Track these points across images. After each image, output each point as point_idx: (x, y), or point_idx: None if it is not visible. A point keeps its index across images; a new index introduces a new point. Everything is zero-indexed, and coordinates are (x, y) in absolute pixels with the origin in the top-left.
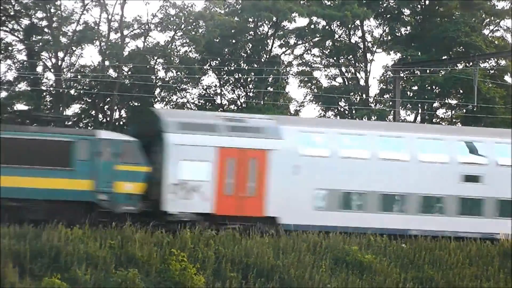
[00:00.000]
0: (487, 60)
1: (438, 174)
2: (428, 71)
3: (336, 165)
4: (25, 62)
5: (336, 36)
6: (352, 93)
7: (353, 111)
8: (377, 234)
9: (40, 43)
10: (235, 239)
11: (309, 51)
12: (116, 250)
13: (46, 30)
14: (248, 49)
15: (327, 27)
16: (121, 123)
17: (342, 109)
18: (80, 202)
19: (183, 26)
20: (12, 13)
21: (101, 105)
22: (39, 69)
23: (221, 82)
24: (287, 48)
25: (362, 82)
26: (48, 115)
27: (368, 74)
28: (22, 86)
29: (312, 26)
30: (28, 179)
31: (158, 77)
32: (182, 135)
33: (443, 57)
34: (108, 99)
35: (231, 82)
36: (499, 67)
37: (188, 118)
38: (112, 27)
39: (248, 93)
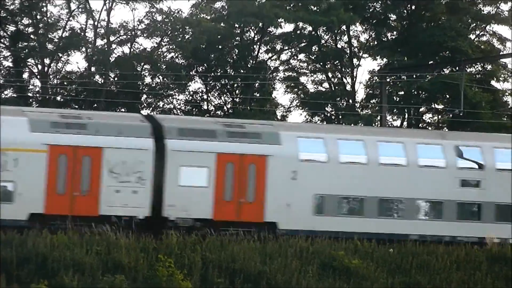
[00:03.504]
0: (473, 65)
1: None
2: (414, 76)
3: None
4: (11, 69)
5: (323, 41)
6: (338, 99)
7: (340, 117)
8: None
9: (26, 50)
10: (222, 244)
11: (295, 57)
12: (102, 256)
13: (32, 36)
14: (234, 54)
15: (313, 33)
16: None
17: (328, 115)
18: None
19: (169, 32)
20: None
21: None
22: (25, 75)
23: (208, 88)
24: (273, 54)
25: (348, 87)
26: None
27: (354, 79)
28: (8, 92)
29: (298, 32)
30: None
31: (144, 83)
32: None
33: (430, 62)
34: (95, 105)
35: (217, 87)
36: (486, 71)
37: None
38: (99, 34)
39: (235, 99)
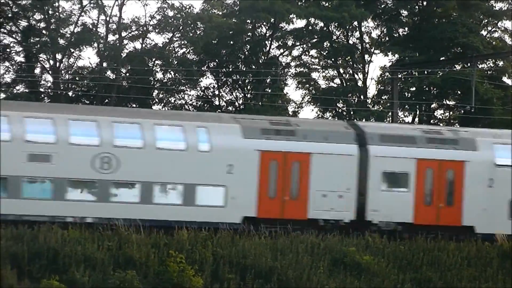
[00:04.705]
0: (485, 61)
1: None
2: (426, 72)
3: None
4: (23, 64)
5: (334, 37)
6: (350, 94)
7: (351, 113)
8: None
9: (38, 45)
10: (232, 240)
11: (307, 52)
12: (113, 251)
13: (44, 31)
14: (246, 50)
15: (325, 28)
16: None
17: (340, 110)
18: None
19: (181, 27)
20: (10, 15)
21: None
22: (37, 71)
23: (219, 84)
24: (285, 50)
25: (360, 83)
26: None
27: (366, 75)
28: (20, 88)
29: (310, 27)
30: None
31: (156, 79)
32: None
33: (441, 58)
34: (106, 100)
35: (229, 83)
36: (497, 68)
37: None
38: (110, 29)
39: (246, 95)
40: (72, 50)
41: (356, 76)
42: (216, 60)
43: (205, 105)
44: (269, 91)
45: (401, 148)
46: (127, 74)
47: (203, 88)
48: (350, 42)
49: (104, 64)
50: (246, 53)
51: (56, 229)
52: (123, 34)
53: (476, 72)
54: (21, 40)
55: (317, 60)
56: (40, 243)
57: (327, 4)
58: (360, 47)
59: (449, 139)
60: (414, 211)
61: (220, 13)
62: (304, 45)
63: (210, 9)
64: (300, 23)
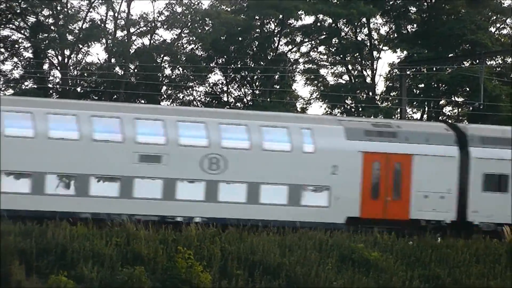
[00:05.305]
0: (493, 58)
1: None
2: (434, 68)
3: None
4: (31, 60)
5: (342, 34)
6: (358, 91)
7: (360, 109)
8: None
9: (47, 41)
10: (241, 236)
11: (315, 49)
12: (122, 247)
13: (52, 27)
14: (254, 46)
15: (333, 25)
16: None
17: (348, 107)
18: None
19: (189, 24)
20: (18, 11)
21: None
22: (46, 67)
23: (228, 80)
24: (293, 46)
25: (368, 80)
26: None
27: (374, 72)
28: (29, 83)
29: (318, 24)
30: None
31: (164, 75)
32: None
33: (450, 55)
34: (115, 97)
35: (237, 79)
36: (506, 64)
37: None
38: (119, 25)
39: (255, 91)
40: (81, 46)
41: (364, 72)
42: (225, 56)
43: (214, 101)
44: (278, 87)
45: None
46: (136, 70)
47: (211, 84)
48: (359, 38)
49: (113, 60)
50: (255, 49)
51: (64, 225)
52: (132, 30)
53: (485, 69)
54: (30, 36)
55: (325, 56)
56: (48, 239)
57: (335, 1)
58: (368, 44)
59: None
60: None
61: (229, 9)
62: (313, 42)
63: (218, 6)
64: (308, 20)
